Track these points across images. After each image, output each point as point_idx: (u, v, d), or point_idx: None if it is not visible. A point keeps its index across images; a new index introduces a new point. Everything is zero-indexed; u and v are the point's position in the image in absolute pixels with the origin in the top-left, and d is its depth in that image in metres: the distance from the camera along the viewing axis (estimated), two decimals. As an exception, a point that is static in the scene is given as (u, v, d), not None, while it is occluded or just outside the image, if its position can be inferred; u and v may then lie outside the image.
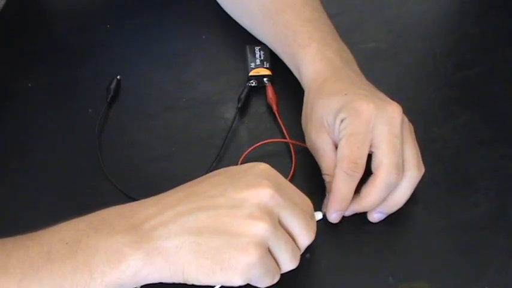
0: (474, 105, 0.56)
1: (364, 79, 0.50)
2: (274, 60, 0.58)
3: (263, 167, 0.40)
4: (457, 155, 0.53)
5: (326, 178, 0.48)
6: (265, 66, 0.57)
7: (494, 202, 0.50)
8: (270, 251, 0.38)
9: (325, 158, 0.47)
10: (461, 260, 0.47)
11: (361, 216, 0.50)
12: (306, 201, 0.42)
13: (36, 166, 0.53)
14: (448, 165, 0.53)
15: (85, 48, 0.60)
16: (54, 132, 0.54)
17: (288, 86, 0.57)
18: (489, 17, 0.64)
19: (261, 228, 0.36)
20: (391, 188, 0.45)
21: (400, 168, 0.45)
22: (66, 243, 0.36)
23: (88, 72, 0.58)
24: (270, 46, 0.57)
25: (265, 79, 0.57)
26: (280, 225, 0.38)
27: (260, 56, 0.58)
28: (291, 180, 0.51)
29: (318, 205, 0.48)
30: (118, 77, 0.57)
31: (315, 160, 0.51)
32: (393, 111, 0.45)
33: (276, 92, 0.56)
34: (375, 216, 0.47)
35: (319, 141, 0.47)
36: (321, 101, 0.48)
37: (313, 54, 0.50)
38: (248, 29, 0.59)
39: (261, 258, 0.37)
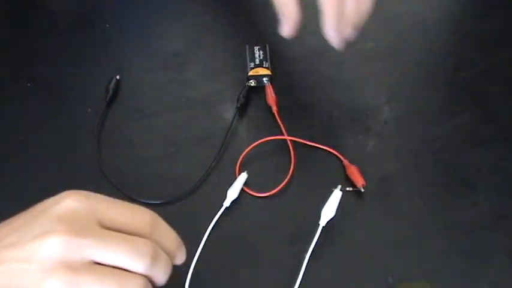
0: (474, 105, 0.56)
1: None
2: (273, 60, 0.57)
3: (66, 203, 0.33)
4: (456, 155, 0.53)
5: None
6: (264, 66, 0.57)
7: (494, 202, 0.50)
8: None
9: None
10: (461, 260, 0.47)
11: (361, 216, 0.50)
12: (142, 216, 0.36)
13: (35, 166, 0.53)
14: (447, 165, 0.53)
15: (84, 48, 0.60)
16: (53, 131, 0.54)
17: (288, 85, 0.57)
18: (489, 17, 0.63)
19: (54, 284, 0.31)
20: None
21: None
22: None
23: (87, 72, 0.58)
24: None
25: (264, 79, 0.57)
26: (96, 265, 0.33)
27: (259, 56, 0.58)
28: (290, 179, 0.51)
29: (319, 205, 0.48)
30: (117, 76, 0.57)
31: (313, 157, 0.51)
32: None
33: (275, 91, 0.56)
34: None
35: None
36: None
37: None
38: None
39: None
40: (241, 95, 0.56)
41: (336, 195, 0.48)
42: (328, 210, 0.48)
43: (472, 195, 0.51)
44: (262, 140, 0.52)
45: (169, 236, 0.36)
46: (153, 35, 0.61)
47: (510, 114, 0.56)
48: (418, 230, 0.49)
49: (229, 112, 0.55)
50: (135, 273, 0.33)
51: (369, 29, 0.62)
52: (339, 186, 0.49)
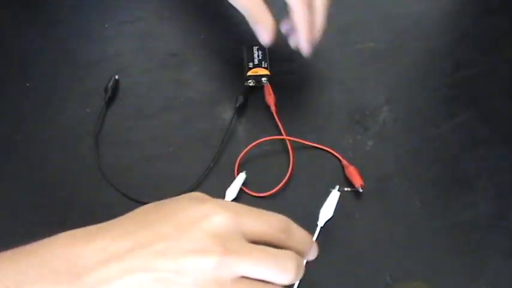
0: (473, 105, 0.56)
1: None
2: (272, 60, 0.57)
3: (217, 219, 0.35)
4: (455, 155, 0.53)
5: (245, 5, 0.50)
6: (263, 66, 0.57)
7: (493, 202, 0.50)
8: None
9: None
10: (460, 259, 0.47)
11: (359, 216, 0.50)
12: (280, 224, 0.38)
13: (34, 166, 0.53)
14: (446, 165, 0.53)
15: (83, 48, 0.60)
16: (52, 131, 0.54)
17: (286, 85, 0.57)
18: (488, 17, 0.63)
19: None
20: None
21: None
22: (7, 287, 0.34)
23: (86, 71, 0.58)
24: None
25: (263, 79, 0.57)
26: (243, 278, 0.35)
27: (258, 56, 0.58)
28: (289, 179, 0.51)
29: (317, 205, 0.48)
30: (116, 76, 0.57)
31: (312, 157, 0.51)
32: None
33: (274, 91, 0.56)
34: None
35: None
36: None
37: None
38: None
39: None
40: (240, 95, 0.56)
41: (334, 196, 0.48)
42: (327, 211, 0.48)
43: (471, 195, 0.51)
44: (260, 140, 0.52)
45: (302, 238, 0.38)
46: (151, 35, 0.61)
47: (509, 114, 0.56)
48: (416, 230, 0.49)
49: (228, 112, 0.56)
50: (278, 285, 0.35)
51: (368, 29, 0.62)
52: (337, 187, 0.49)
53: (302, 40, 0.50)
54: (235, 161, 0.52)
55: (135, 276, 0.34)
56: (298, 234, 0.38)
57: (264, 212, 0.37)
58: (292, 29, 0.51)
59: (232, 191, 0.50)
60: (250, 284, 0.35)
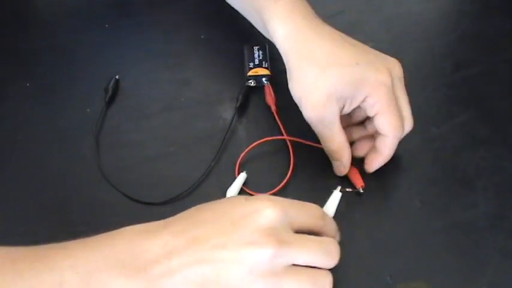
0: (473, 105, 0.56)
1: (342, 34, 0.50)
2: (272, 60, 0.57)
3: (268, 213, 0.38)
4: (455, 155, 0.53)
5: (331, 146, 0.49)
6: (263, 66, 0.57)
7: (493, 202, 0.50)
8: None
9: (334, 128, 0.48)
10: (460, 260, 0.47)
11: (360, 216, 0.50)
12: (322, 221, 0.42)
13: (34, 165, 0.53)
14: (446, 165, 0.53)
15: (83, 48, 0.60)
16: (53, 131, 0.55)
17: (287, 85, 0.57)
18: (488, 17, 0.63)
19: (261, 287, 0.37)
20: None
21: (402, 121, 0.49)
22: (77, 273, 0.36)
23: (86, 72, 0.58)
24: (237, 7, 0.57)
25: (263, 79, 0.57)
26: (294, 266, 0.39)
27: (259, 56, 0.58)
28: (289, 179, 0.51)
29: (318, 205, 0.48)
30: (116, 76, 0.57)
31: (313, 157, 0.51)
32: (399, 70, 0.49)
33: (274, 91, 0.56)
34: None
35: (328, 112, 0.47)
36: (330, 72, 0.47)
37: (284, 9, 0.49)
38: None
39: None
40: (241, 95, 0.56)
41: (336, 197, 0.49)
42: (327, 211, 0.48)
43: (471, 195, 0.51)
44: (261, 141, 0.52)
45: (332, 225, 0.44)
46: (152, 35, 0.61)
47: (509, 114, 0.56)
48: (417, 230, 0.49)
49: (228, 112, 0.56)
50: (324, 269, 0.40)
51: (368, 29, 0.62)
52: (339, 187, 0.49)
53: (377, 164, 0.50)
54: (236, 161, 0.52)
55: (194, 269, 0.36)
56: (329, 221, 0.43)
57: (302, 202, 0.42)
58: (371, 151, 0.51)
59: (233, 191, 0.50)
60: (301, 270, 0.38)
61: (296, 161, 0.52)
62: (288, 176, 0.51)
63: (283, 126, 0.54)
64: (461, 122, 0.55)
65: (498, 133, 0.55)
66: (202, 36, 0.61)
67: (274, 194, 0.51)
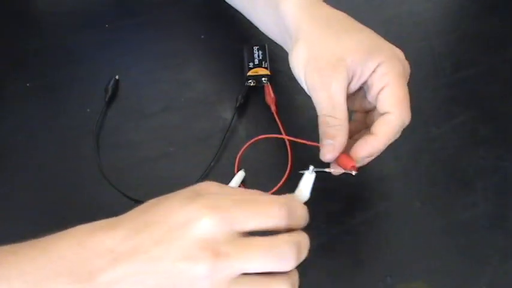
0: (473, 105, 0.56)
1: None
2: (272, 60, 0.57)
3: (204, 224, 0.34)
4: (455, 155, 0.53)
5: (330, 121, 0.43)
6: (263, 66, 0.57)
7: (493, 202, 0.50)
8: None
9: (338, 98, 0.43)
10: (460, 260, 0.47)
11: (360, 215, 0.50)
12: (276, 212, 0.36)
13: (34, 165, 0.53)
14: (446, 165, 0.53)
15: (83, 48, 0.60)
16: (53, 131, 0.55)
17: (287, 85, 0.57)
18: (488, 17, 0.63)
19: None
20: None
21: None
22: (26, 282, 0.35)
23: (86, 72, 0.58)
24: None
25: (263, 79, 0.57)
26: (244, 276, 0.35)
27: (258, 56, 0.58)
28: (287, 178, 0.51)
29: (319, 202, 0.48)
30: (116, 76, 0.57)
31: (312, 158, 0.51)
32: (408, 65, 0.45)
33: (274, 91, 0.56)
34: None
35: (335, 78, 0.43)
36: (344, 36, 0.44)
37: None
38: None
39: None
40: (240, 95, 0.56)
41: (308, 179, 0.42)
42: (300, 196, 0.42)
43: (471, 195, 0.51)
44: (261, 137, 0.52)
45: (303, 214, 0.37)
46: (152, 35, 0.61)
47: (509, 114, 0.56)
48: (417, 230, 0.49)
49: (228, 112, 0.56)
50: (284, 273, 0.35)
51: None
52: (311, 167, 0.42)
53: (368, 148, 0.43)
54: (235, 162, 0.52)
55: (138, 279, 0.35)
56: (299, 213, 0.37)
57: (263, 200, 0.36)
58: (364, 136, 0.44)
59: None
60: (252, 280, 0.35)
61: (294, 161, 0.52)
62: (286, 174, 0.51)
63: (282, 126, 0.54)
64: (461, 122, 0.55)
65: (498, 133, 0.55)
66: (202, 36, 0.61)
67: (273, 193, 0.50)
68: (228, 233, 0.34)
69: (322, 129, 0.44)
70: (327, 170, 0.45)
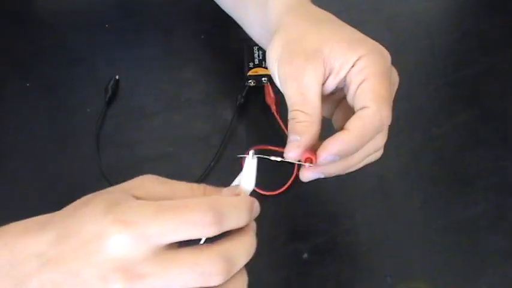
0: (474, 104, 0.56)
1: None
2: (272, 59, 0.57)
3: (116, 241, 0.31)
4: (456, 155, 0.53)
5: (299, 116, 0.39)
6: (263, 65, 0.57)
7: (493, 202, 0.50)
8: None
9: (311, 92, 0.39)
10: (460, 259, 0.47)
11: (360, 215, 0.50)
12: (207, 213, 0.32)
13: (35, 165, 0.53)
14: (447, 164, 0.53)
15: (83, 48, 0.60)
16: (53, 131, 0.55)
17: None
18: (489, 17, 0.63)
19: None
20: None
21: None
22: None
23: (86, 72, 0.58)
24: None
25: (263, 79, 0.57)
26: None
27: (258, 56, 0.57)
28: (291, 184, 0.51)
29: (325, 200, 0.48)
30: (116, 76, 0.57)
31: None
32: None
33: (274, 91, 0.55)
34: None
35: (309, 70, 0.39)
36: (325, 27, 0.41)
37: None
38: None
39: None
40: (240, 95, 0.56)
41: (250, 166, 0.37)
42: (243, 187, 0.36)
43: (471, 195, 0.51)
44: (261, 146, 0.49)
45: (238, 214, 0.33)
46: (152, 35, 0.61)
47: (509, 113, 0.56)
48: (417, 229, 0.49)
49: (228, 112, 0.55)
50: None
51: (369, 28, 0.62)
52: (251, 151, 0.37)
53: (336, 145, 0.39)
54: (236, 161, 0.52)
55: None
56: (233, 215, 0.32)
57: (185, 207, 0.31)
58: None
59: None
60: None
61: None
62: (290, 180, 0.51)
63: (283, 126, 0.54)
64: (462, 122, 0.55)
65: (499, 132, 0.54)
66: (202, 36, 0.61)
67: (280, 194, 0.50)
68: (145, 250, 0.31)
69: (290, 124, 0.40)
70: (272, 158, 0.40)
